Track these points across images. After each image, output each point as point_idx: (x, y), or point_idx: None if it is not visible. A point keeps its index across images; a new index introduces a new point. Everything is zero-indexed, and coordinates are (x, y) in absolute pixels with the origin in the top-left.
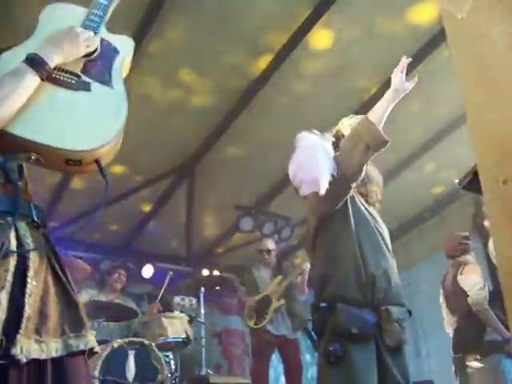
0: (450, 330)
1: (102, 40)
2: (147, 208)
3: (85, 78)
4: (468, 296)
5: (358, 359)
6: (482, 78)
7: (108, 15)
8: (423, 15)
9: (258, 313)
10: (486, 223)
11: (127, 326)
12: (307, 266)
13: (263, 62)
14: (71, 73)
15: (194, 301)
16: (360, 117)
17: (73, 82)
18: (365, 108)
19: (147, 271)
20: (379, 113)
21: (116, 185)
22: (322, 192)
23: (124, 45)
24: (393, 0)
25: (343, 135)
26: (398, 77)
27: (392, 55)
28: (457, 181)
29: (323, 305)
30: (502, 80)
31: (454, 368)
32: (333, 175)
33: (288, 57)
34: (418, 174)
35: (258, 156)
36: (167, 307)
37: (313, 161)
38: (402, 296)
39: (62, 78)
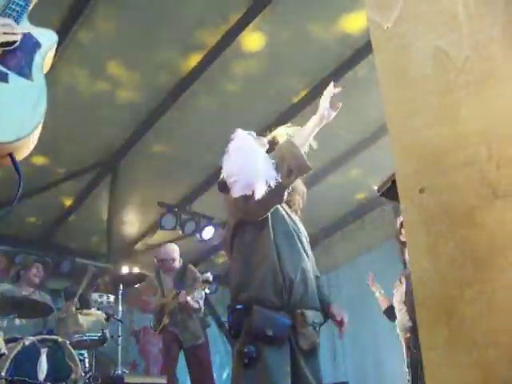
0: (404, 333)
1: (24, 32)
2: (68, 202)
3: (2, 69)
4: None
5: (272, 361)
6: (402, 87)
7: (31, 5)
8: (354, 24)
9: (157, 317)
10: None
11: (42, 323)
12: (193, 296)
13: (193, 60)
14: None
15: (112, 298)
16: (297, 128)
17: None
18: (293, 111)
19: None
20: (304, 136)
21: (36, 176)
22: (258, 197)
23: (47, 39)
24: (325, 8)
25: (278, 142)
26: (325, 102)
27: (322, 61)
28: (376, 187)
29: (239, 307)
30: (422, 90)
31: (412, 368)
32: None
33: (219, 56)
34: (343, 179)
35: (183, 155)
36: (84, 304)
37: (250, 163)
38: (317, 300)
39: None
